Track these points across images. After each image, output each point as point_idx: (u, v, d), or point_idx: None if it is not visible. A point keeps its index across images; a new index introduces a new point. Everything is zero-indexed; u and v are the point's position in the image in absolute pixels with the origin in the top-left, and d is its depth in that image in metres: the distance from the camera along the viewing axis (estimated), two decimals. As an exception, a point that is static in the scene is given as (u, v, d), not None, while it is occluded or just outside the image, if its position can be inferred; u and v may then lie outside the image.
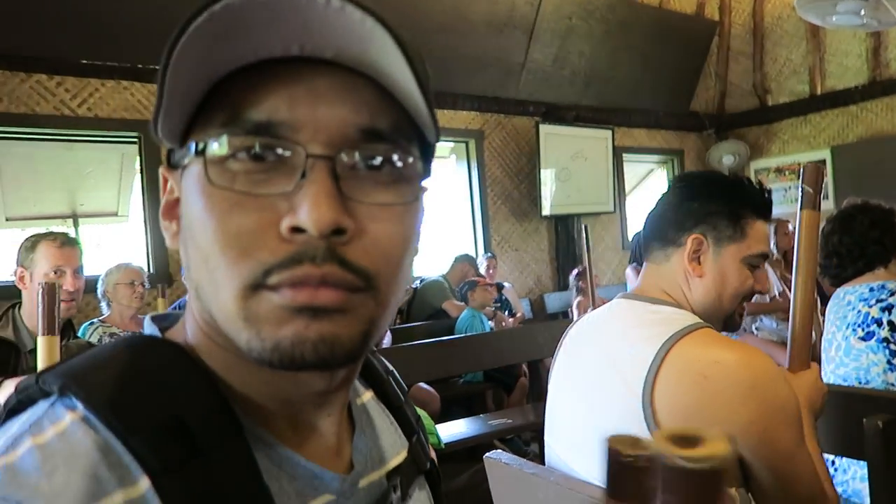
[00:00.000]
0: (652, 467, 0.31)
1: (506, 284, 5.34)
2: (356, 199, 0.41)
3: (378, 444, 0.55)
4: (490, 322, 4.32)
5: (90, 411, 0.39)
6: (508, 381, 4.23)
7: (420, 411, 2.57)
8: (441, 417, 3.54)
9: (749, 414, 0.96)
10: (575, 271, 4.95)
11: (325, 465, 0.47)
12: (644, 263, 1.22)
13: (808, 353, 1.20)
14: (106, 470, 0.37)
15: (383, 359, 0.65)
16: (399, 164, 0.43)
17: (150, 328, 0.49)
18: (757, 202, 1.14)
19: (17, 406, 0.43)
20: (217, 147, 0.40)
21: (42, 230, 2.11)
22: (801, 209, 1.17)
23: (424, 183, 0.46)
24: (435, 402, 3.66)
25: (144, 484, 0.38)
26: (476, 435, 3.13)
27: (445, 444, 2.97)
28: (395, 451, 0.56)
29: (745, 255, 1.12)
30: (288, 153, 0.40)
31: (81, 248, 2.05)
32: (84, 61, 4.01)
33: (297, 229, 0.38)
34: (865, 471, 1.41)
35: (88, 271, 2.60)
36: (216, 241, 0.40)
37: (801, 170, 1.16)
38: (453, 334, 4.10)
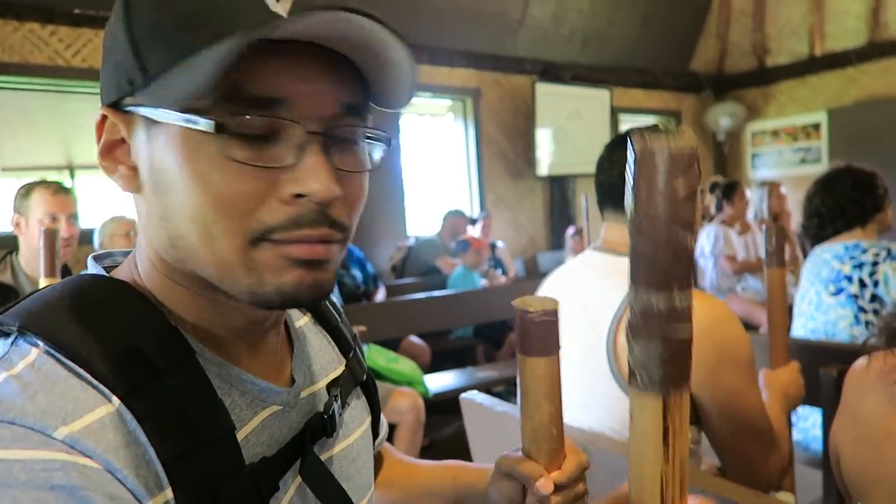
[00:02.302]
0: (636, 159, 0.38)
1: (499, 244, 5.39)
2: (339, 168, 0.47)
3: (316, 361, 0.62)
4: (482, 280, 4.39)
5: (51, 346, 0.43)
6: (498, 337, 4.32)
7: (409, 362, 2.67)
8: (431, 370, 3.63)
9: (700, 351, 1.03)
10: (571, 229, 5.00)
11: (270, 381, 0.54)
12: (605, 223, 1.26)
13: (787, 352, 1.29)
14: (81, 392, 0.42)
15: None
16: (366, 135, 0.50)
17: (94, 268, 0.53)
18: None
19: None
20: (230, 124, 0.43)
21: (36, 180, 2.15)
22: (767, 268, 1.23)
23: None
24: (425, 354, 3.75)
25: (116, 402, 0.42)
26: (463, 386, 3.22)
27: (434, 394, 3.07)
28: (333, 367, 0.64)
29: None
30: (291, 130, 0.45)
31: (75, 196, 2.09)
32: (77, 11, 3.97)
33: (299, 195, 0.45)
34: (821, 418, 1.49)
35: (85, 223, 2.65)
36: (216, 203, 0.44)
37: (766, 231, 1.22)
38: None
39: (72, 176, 4.16)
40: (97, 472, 0.39)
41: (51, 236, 1.27)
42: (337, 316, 0.70)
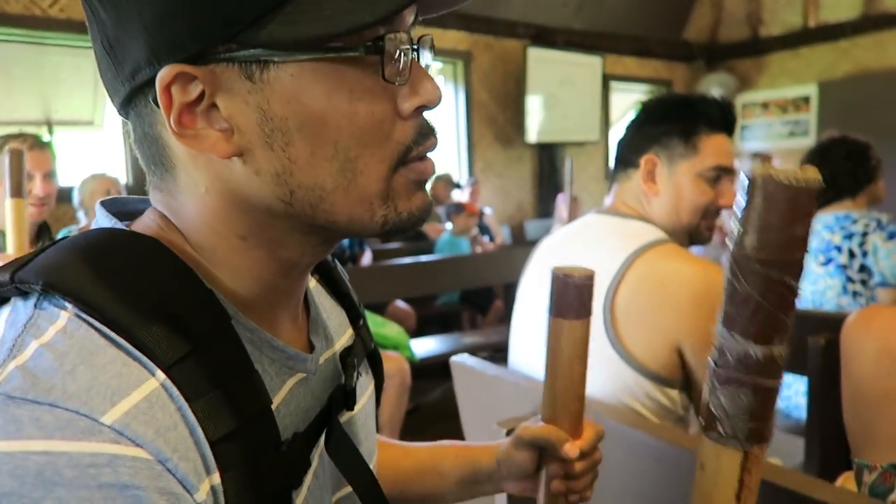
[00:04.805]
0: (753, 189, 0.34)
1: (487, 210, 5.37)
2: None
3: (329, 325, 0.59)
4: (469, 246, 4.38)
5: (82, 308, 0.39)
6: (484, 303, 4.33)
7: (395, 326, 2.64)
8: (416, 334, 3.64)
9: (697, 318, 1.01)
10: (561, 196, 4.99)
11: (294, 346, 0.51)
12: (614, 184, 1.26)
13: None
14: (122, 366, 0.38)
15: None
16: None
17: (107, 218, 0.48)
18: (711, 116, 1.15)
19: None
20: (392, 43, 0.41)
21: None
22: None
23: None
24: (410, 319, 3.75)
25: (160, 376, 0.38)
26: (449, 351, 3.23)
27: (420, 359, 3.08)
28: (342, 332, 0.62)
29: (699, 170, 1.15)
30: (397, 43, 0.42)
31: (54, 151, 2.01)
32: (54, -42, 3.82)
33: (419, 108, 0.44)
34: (806, 386, 1.50)
35: (65, 181, 2.57)
36: (364, 131, 0.42)
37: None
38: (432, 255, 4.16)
39: (50, 132, 4.05)
40: (147, 463, 0.36)
41: (17, 156, 1.24)
42: (347, 283, 0.67)
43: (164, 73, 0.41)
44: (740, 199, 0.35)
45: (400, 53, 0.42)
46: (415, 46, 0.45)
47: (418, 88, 0.44)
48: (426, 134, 0.45)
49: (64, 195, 2.68)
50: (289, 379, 0.49)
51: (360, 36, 0.41)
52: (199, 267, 0.45)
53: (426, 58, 0.48)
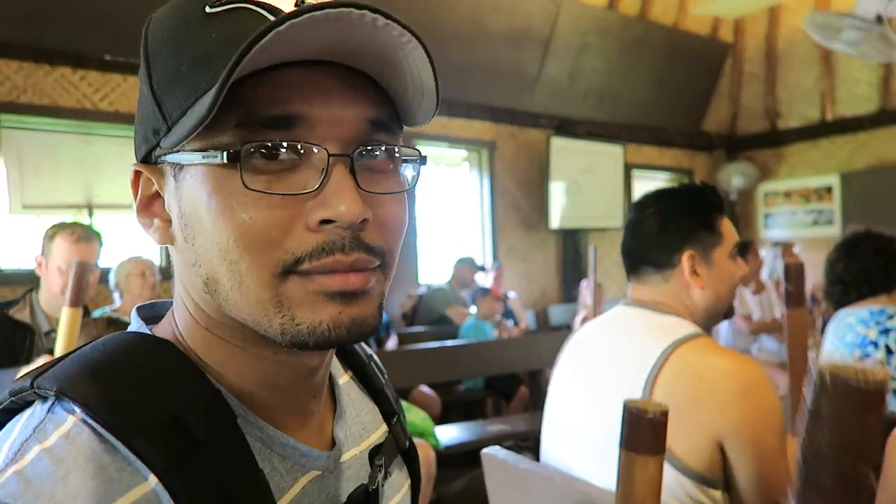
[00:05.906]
0: (823, 388, 0.35)
1: (511, 294, 5.38)
2: (368, 190, 0.44)
3: (357, 422, 0.59)
4: (493, 331, 4.36)
5: (88, 415, 0.40)
6: (508, 389, 4.26)
7: (421, 413, 2.61)
8: (440, 421, 3.57)
9: (740, 415, 1.01)
10: (585, 282, 4.99)
11: (310, 443, 0.51)
12: (631, 283, 1.27)
13: None
14: (115, 471, 0.39)
15: (364, 345, 0.67)
16: (396, 152, 0.47)
17: (137, 323, 0.51)
18: (715, 202, 1.24)
19: (10, 406, 0.45)
20: (248, 152, 0.41)
21: (56, 219, 2.15)
22: (787, 309, 1.21)
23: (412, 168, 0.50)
24: (435, 405, 3.70)
25: (152, 481, 0.39)
26: (474, 440, 3.16)
27: (444, 447, 3.00)
28: (374, 428, 0.61)
29: (728, 251, 1.22)
30: (312, 153, 0.42)
31: (101, 241, 2.09)
32: (107, 57, 4.10)
33: (326, 221, 0.42)
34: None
35: (102, 262, 2.66)
36: (241, 236, 0.41)
37: (785, 269, 1.20)
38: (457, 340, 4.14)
39: (90, 214, 4.21)
40: None
41: (82, 269, 1.29)
42: (382, 379, 0.66)
43: (131, 170, 0.49)
44: (808, 394, 0.37)
45: (279, 162, 0.42)
46: (353, 157, 0.43)
47: (329, 202, 0.42)
48: (333, 250, 0.42)
49: (101, 276, 2.76)
50: (301, 476, 0.49)
51: (241, 142, 0.41)
52: (208, 368, 0.47)
53: (386, 171, 0.46)
